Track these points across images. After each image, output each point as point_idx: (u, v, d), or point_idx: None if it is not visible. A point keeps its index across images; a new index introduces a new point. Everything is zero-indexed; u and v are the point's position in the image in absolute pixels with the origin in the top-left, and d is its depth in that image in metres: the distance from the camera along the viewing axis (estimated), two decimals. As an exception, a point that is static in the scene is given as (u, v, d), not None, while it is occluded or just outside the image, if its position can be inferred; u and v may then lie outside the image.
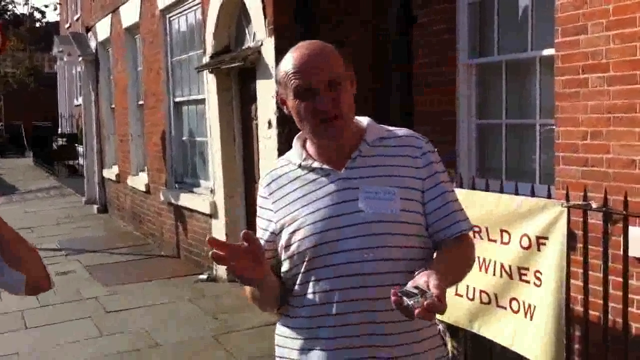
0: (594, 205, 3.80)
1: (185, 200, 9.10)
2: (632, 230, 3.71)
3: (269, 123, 6.53)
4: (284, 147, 6.42)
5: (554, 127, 4.60)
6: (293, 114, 2.07)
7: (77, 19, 18.13)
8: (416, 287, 1.75)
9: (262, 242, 2.11)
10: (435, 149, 2.15)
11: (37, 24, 36.96)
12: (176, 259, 9.48)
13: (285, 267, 2.11)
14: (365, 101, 6.37)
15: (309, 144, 2.15)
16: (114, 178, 13.04)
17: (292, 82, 2.01)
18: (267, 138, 6.64)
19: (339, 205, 2.02)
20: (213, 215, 8.15)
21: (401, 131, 2.18)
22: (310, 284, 2.04)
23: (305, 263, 2.04)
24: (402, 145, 2.11)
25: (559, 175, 4.49)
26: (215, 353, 5.81)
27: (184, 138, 9.71)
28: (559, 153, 4.48)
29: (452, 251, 2.06)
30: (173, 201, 9.49)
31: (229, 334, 6.20)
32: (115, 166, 13.30)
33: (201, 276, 8.24)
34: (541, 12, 5.02)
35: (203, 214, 8.46)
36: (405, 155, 2.09)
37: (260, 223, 2.21)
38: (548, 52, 4.84)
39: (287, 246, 2.07)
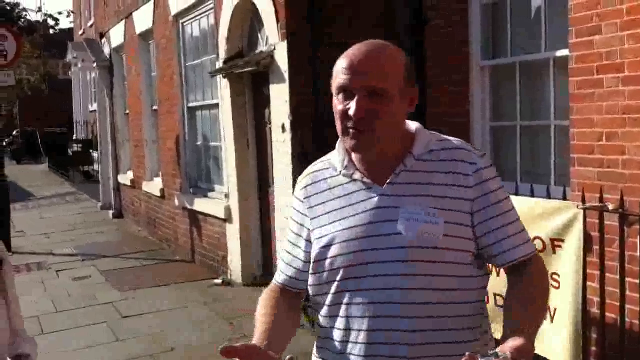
0: (610, 207, 3.78)
1: (200, 204, 9.12)
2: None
3: (283, 127, 6.53)
4: (297, 151, 6.43)
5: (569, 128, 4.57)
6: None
7: (91, 26, 18.24)
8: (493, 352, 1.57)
9: (292, 246, 2.03)
10: (491, 164, 1.94)
11: (51, 31, 37.19)
12: (191, 263, 9.49)
13: (313, 281, 1.96)
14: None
15: None
16: (128, 183, 13.10)
17: (339, 77, 1.85)
18: (280, 142, 6.64)
19: (376, 225, 1.84)
20: (227, 219, 8.16)
21: (454, 142, 1.94)
22: (341, 306, 1.88)
23: (335, 283, 1.88)
24: (452, 160, 1.88)
25: (575, 176, 4.46)
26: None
27: (197, 143, 9.73)
28: (574, 154, 4.46)
29: (524, 291, 1.82)
30: (187, 206, 9.52)
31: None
32: (130, 171, 13.36)
33: (216, 280, 8.26)
34: (554, 13, 5.00)
35: (217, 218, 8.48)
36: (455, 172, 1.86)
37: (292, 226, 2.04)
38: (562, 52, 4.81)
39: (317, 261, 1.92)
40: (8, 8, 32.32)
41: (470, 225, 1.85)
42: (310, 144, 6.37)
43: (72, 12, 27.65)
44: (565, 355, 3.65)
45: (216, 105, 8.56)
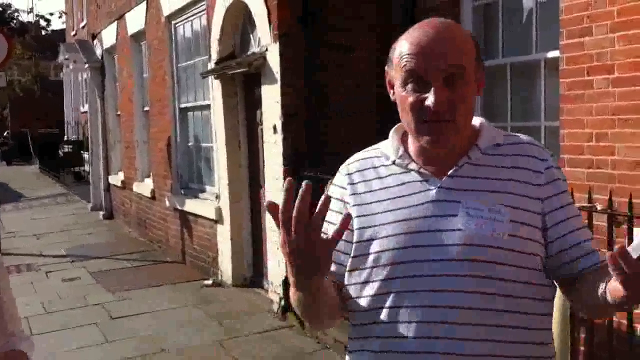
0: (598, 207, 3.79)
1: (191, 205, 9.10)
2: (637, 232, 3.70)
3: (274, 128, 6.53)
4: (289, 152, 6.43)
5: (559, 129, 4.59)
6: (397, 103, 1.69)
7: (83, 27, 18.20)
8: None
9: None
10: (559, 166, 1.77)
11: (43, 32, 37.17)
12: (181, 264, 9.48)
13: (350, 280, 1.73)
14: (370, 107, 6.38)
15: (410, 139, 1.76)
16: (119, 184, 13.07)
17: (404, 63, 1.62)
18: (272, 143, 6.64)
19: (433, 220, 1.63)
20: (218, 220, 8.16)
21: (522, 138, 1.78)
22: (384, 311, 1.65)
23: (378, 284, 1.66)
24: (522, 155, 1.71)
25: (565, 177, 4.48)
26: (221, 359, 5.81)
27: (189, 144, 9.72)
28: (564, 155, 4.48)
29: None
30: (178, 207, 9.50)
31: (234, 339, 6.19)
32: (120, 173, 13.33)
33: (206, 282, 8.25)
34: (546, 14, 5.02)
35: (208, 219, 8.46)
36: (524, 168, 1.69)
37: (329, 217, 1.66)
38: (553, 54, 4.84)
39: (357, 257, 1.69)
40: (0, 9, 32.25)
41: (539, 228, 1.65)
42: (302, 145, 6.37)
43: (64, 13, 27.63)
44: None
45: (208, 107, 8.55)
